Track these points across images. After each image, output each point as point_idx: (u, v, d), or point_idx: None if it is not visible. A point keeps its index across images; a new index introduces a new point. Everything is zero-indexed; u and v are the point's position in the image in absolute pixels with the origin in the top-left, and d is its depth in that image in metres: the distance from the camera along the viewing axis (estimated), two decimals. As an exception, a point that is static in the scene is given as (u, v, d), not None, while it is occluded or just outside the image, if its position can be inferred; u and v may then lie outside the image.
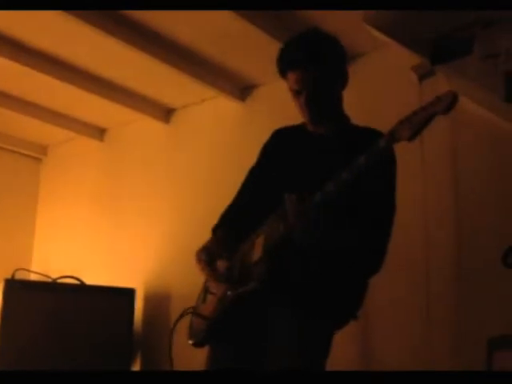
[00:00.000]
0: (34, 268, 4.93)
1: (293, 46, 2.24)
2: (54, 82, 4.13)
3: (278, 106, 3.37)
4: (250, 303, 2.15)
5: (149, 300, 4.41)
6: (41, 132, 5.03)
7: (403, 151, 3.57)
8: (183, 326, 2.30)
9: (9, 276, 4.17)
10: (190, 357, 2.39)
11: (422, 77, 3.23)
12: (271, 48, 3.45)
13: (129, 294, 4.26)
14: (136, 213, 4.64)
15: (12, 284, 4.05)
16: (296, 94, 2.23)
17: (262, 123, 3.96)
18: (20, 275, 4.33)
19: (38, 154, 5.35)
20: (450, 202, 3.31)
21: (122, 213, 4.73)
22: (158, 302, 4.38)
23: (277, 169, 2.35)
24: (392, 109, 3.54)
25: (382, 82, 3.67)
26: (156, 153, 4.69)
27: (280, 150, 2.41)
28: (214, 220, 2.49)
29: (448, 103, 1.83)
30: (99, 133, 5.02)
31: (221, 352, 2.25)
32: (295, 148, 2.35)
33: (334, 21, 3.42)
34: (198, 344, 2.28)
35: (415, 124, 1.87)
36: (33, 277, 4.73)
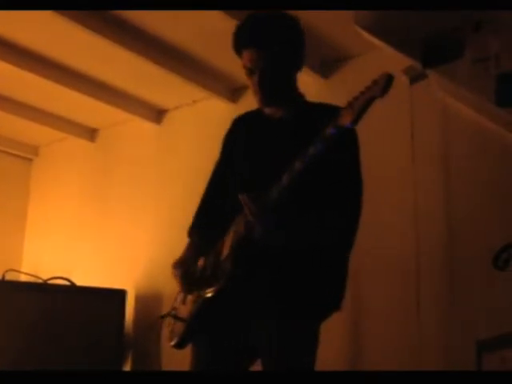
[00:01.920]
0: (24, 269, 4.91)
1: (248, 25, 2.20)
2: (46, 83, 4.12)
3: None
4: (224, 303, 2.13)
5: (140, 301, 4.41)
6: (32, 132, 5.01)
7: (394, 153, 3.59)
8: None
9: (-1, 277, 4.16)
10: (180, 358, 2.39)
11: (413, 79, 3.24)
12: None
13: (120, 295, 4.25)
14: (127, 214, 4.63)
15: (2, 285, 4.05)
16: (249, 73, 2.19)
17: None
18: (10, 276, 4.32)
19: (28, 154, 5.34)
20: (441, 205, 3.33)
21: (112, 214, 4.72)
22: (148, 303, 4.37)
23: (238, 160, 2.32)
24: (383, 111, 3.56)
25: (373, 85, 3.68)
26: (147, 154, 4.68)
27: (238, 139, 2.38)
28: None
29: (383, 86, 1.83)
30: (90, 133, 5.01)
31: (200, 352, 2.23)
32: (253, 136, 2.31)
33: (325, 23, 3.44)
34: (177, 345, 2.27)
35: (355, 109, 1.86)
36: (23, 278, 4.71)
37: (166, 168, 4.55)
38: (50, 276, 4.31)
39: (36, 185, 5.32)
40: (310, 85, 3.44)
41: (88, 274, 4.54)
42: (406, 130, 3.42)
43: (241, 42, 2.19)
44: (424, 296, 3.26)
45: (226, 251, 2.16)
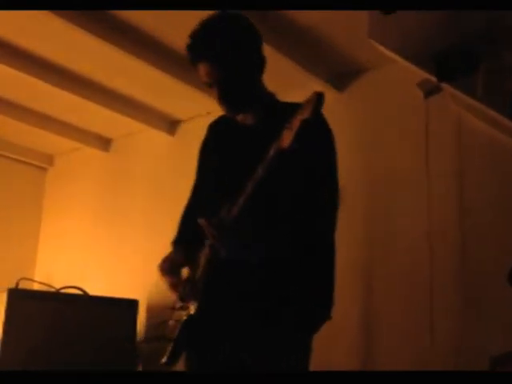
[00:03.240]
0: (37, 278, 4.93)
1: (198, 37, 2.11)
2: (61, 92, 4.15)
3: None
4: (206, 318, 2.10)
5: (151, 311, 4.40)
6: (47, 141, 5.05)
7: (408, 167, 3.58)
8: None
9: (12, 285, 4.16)
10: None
11: (428, 93, 3.23)
12: (276, 61, 3.48)
13: (132, 305, 4.25)
14: (140, 224, 4.64)
15: (16, 293, 4.05)
16: (209, 86, 2.14)
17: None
18: (24, 285, 4.33)
19: (43, 163, 5.37)
20: (455, 219, 3.31)
21: (126, 224, 4.73)
22: (160, 314, 4.36)
23: (213, 168, 2.29)
24: (398, 125, 3.56)
25: (388, 98, 3.68)
26: (161, 164, 4.69)
27: (212, 146, 2.35)
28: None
29: (313, 107, 1.80)
30: (105, 143, 5.04)
31: (192, 368, 2.20)
32: (225, 143, 2.27)
33: (340, 36, 3.45)
34: (167, 363, 2.22)
35: (293, 130, 1.83)
36: (36, 286, 4.72)
37: (179, 179, 4.53)
38: (62, 285, 4.32)
39: (50, 194, 5.35)
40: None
41: (100, 284, 4.54)
42: (420, 142, 3.41)
43: (194, 57, 2.13)
44: (437, 310, 3.23)
45: (200, 268, 2.13)
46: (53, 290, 4.37)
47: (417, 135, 3.44)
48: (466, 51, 2.75)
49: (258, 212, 1.99)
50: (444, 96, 3.28)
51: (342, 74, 3.82)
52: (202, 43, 2.10)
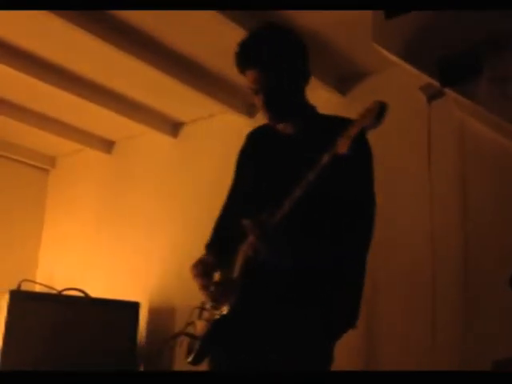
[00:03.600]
0: (39, 279, 4.94)
1: (249, 44, 2.18)
2: (64, 94, 4.15)
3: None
4: (237, 320, 2.13)
5: (153, 314, 4.41)
6: (49, 143, 5.05)
7: (411, 171, 3.58)
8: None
9: (14, 287, 4.17)
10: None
11: (431, 97, 3.23)
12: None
13: (133, 307, 4.25)
14: (142, 226, 4.64)
15: (17, 295, 4.05)
16: (254, 93, 2.18)
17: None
18: (25, 286, 4.33)
19: (45, 165, 5.38)
20: (458, 225, 3.31)
21: (128, 226, 4.74)
22: (162, 316, 4.37)
23: (251, 176, 2.32)
24: (400, 130, 3.56)
25: (391, 102, 3.67)
26: (163, 166, 4.70)
27: (252, 154, 2.38)
28: (219, 235, 2.49)
29: (375, 115, 1.83)
30: (107, 145, 5.04)
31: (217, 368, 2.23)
32: (265, 152, 2.31)
33: (343, 39, 3.46)
34: (193, 362, 2.27)
35: (351, 138, 1.86)
36: (38, 288, 4.73)
37: (182, 181, 4.55)
38: (64, 287, 4.32)
39: (52, 195, 5.35)
40: (327, 101, 3.45)
41: (102, 286, 4.55)
42: (423, 147, 3.41)
43: (243, 63, 2.18)
44: (439, 314, 3.23)
45: (236, 270, 2.16)
46: (54, 291, 4.37)
47: (419, 139, 3.44)
48: (469, 56, 2.75)
49: (302, 217, 2.01)
50: (447, 100, 3.28)
51: (344, 77, 3.82)
52: (251, 50, 2.16)
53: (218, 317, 2.16)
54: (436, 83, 3.04)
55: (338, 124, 2.01)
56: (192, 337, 2.26)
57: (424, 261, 3.33)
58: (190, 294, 4.34)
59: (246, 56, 2.16)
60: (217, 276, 2.29)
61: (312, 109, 2.29)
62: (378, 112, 1.84)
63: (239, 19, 3.24)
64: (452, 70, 2.82)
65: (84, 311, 4.13)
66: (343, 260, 2.08)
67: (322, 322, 2.07)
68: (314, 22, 3.32)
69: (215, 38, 3.52)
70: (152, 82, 4.01)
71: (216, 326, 2.17)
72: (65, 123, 4.74)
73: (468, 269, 3.24)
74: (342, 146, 1.87)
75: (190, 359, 2.27)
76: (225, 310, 2.13)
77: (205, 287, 2.23)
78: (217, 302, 2.18)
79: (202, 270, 2.26)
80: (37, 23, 3.41)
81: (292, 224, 2.01)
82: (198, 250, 4.21)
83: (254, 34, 2.20)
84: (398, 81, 3.54)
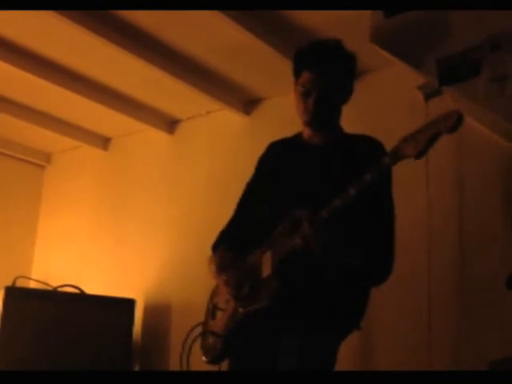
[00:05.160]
0: (34, 276, 4.93)
1: (313, 47, 2.29)
2: (60, 90, 4.14)
3: (283, 119, 3.38)
4: (262, 319, 2.16)
5: (148, 311, 4.40)
6: (45, 140, 5.03)
7: (408, 171, 3.57)
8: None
9: (9, 283, 4.16)
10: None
11: (428, 96, 3.23)
12: (277, 62, 3.51)
13: (128, 304, 4.24)
14: (138, 223, 4.63)
15: (12, 291, 4.04)
16: (305, 94, 2.24)
17: (266, 137, 3.92)
18: (20, 283, 4.32)
19: (41, 161, 5.36)
20: (454, 223, 3.31)
21: (123, 223, 4.73)
22: (157, 313, 4.37)
23: (274, 183, 2.36)
24: (397, 128, 3.54)
25: (388, 101, 3.68)
26: (160, 163, 4.69)
27: (276, 162, 2.42)
28: (215, 232, 2.49)
29: (453, 123, 1.83)
30: (103, 142, 5.03)
31: (238, 368, 2.26)
32: (291, 160, 2.36)
33: (341, 38, 3.43)
34: (212, 361, 2.27)
35: (421, 142, 1.87)
36: (33, 285, 4.72)
37: (178, 178, 4.55)
38: (59, 284, 4.32)
39: (48, 192, 5.34)
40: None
41: (98, 283, 4.54)
42: (420, 146, 3.40)
43: (303, 63, 2.27)
44: (435, 316, 3.23)
45: (266, 269, 2.16)
46: (50, 288, 4.36)
47: (416, 138, 3.43)
48: (467, 55, 2.75)
49: (346, 216, 2.04)
50: (444, 99, 3.27)
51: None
52: (314, 53, 2.27)
53: (242, 316, 2.18)
54: (434, 82, 3.04)
55: (365, 144, 2.21)
56: (214, 334, 2.24)
57: (420, 260, 3.33)
58: (185, 292, 4.36)
59: (307, 57, 2.27)
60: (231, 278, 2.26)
61: (340, 129, 2.38)
62: (456, 121, 1.84)
63: (236, 17, 3.25)
64: (450, 69, 2.82)
65: (79, 308, 4.13)
66: (373, 262, 2.13)
67: (336, 322, 2.12)
68: (311, 19, 3.32)
69: (212, 35, 3.52)
70: (149, 78, 4.01)
71: (241, 325, 2.19)
72: (61, 119, 4.72)
73: (464, 269, 3.24)
74: (411, 149, 1.89)
75: (208, 358, 2.26)
76: (254, 309, 2.15)
77: (227, 283, 2.23)
78: (241, 300, 2.19)
79: (226, 264, 2.26)
80: (35, 21, 3.42)
81: (336, 222, 2.04)
82: (193, 247, 4.24)
83: (320, 41, 2.31)
84: (396, 79, 3.54)
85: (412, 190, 3.44)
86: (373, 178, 1.96)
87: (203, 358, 2.29)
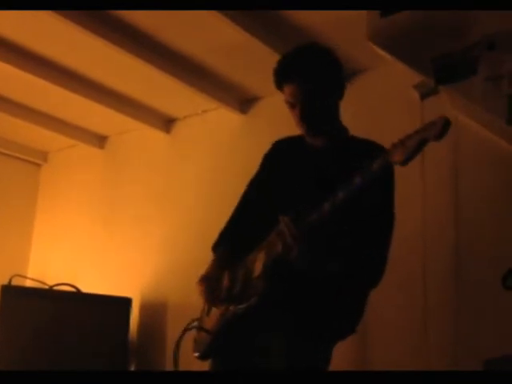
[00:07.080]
0: (30, 274, 4.92)
1: (289, 60, 2.27)
2: (56, 89, 4.14)
3: (279, 118, 3.35)
4: (250, 319, 2.16)
5: (145, 309, 4.40)
6: (41, 138, 5.02)
7: (403, 170, 3.57)
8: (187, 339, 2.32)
9: (5, 282, 4.16)
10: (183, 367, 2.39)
11: (424, 95, 3.23)
12: (273, 61, 3.47)
13: (125, 303, 4.25)
14: (134, 222, 4.63)
15: (9, 290, 4.05)
16: (291, 106, 2.25)
17: (262, 135, 3.94)
18: (17, 281, 4.32)
19: (38, 159, 5.35)
20: (450, 222, 3.31)
21: (120, 221, 4.73)
22: (154, 312, 4.37)
23: (275, 182, 2.37)
24: (393, 127, 3.55)
25: (384, 100, 3.68)
26: (156, 162, 4.69)
27: (278, 162, 2.43)
28: (213, 231, 2.49)
29: (439, 130, 1.83)
30: (100, 140, 5.02)
31: (220, 366, 2.27)
32: (292, 161, 2.38)
33: (337, 37, 3.44)
34: (201, 357, 2.31)
35: (408, 148, 1.87)
36: (29, 283, 4.72)
37: (174, 177, 4.55)
38: (55, 282, 4.32)
39: (44, 190, 5.33)
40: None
41: (94, 282, 4.54)
42: (416, 145, 3.41)
43: (282, 77, 2.26)
44: (431, 315, 3.24)
45: (257, 268, 2.18)
46: (46, 287, 4.37)
47: (412, 137, 3.44)
48: (463, 54, 2.76)
49: (337, 220, 2.03)
50: (440, 98, 3.28)
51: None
52: (291, 65, 2.25)
53: (232, 314, 2.19)
54: (430, 81, 3.05)
55: (365, 149, 2.18)
56: (203, 330, 2.27)
57: (415, 258, 3.33)
58: (182, 291, 4.35)
59: (285, 71, 2.25)
60: (226, 277, 2.28)
61: (344, 129, 2.37)
62: (443, 127, 1.83)
63: (233, 16, 3.25)
64: (446, 69, 2.83)
65: (76, 306, 4.13)
66: (368, 266, 2.13)
67: (327, 325, 2.13)
68: (308, 18, 3.33)
69: (209, 34, 3.52)
70: (145, 77, 4.00)
71: (229, 323, 2.20)
72: (57, 118, 4.72)
73: (460, 267, 3.25)
74: (399, 155, 1.89)
75: (197, 354, 2.30)
76: (242, 308, 2.15)
77: (204, 294, 2.26)
78: (233, 300, 2.20)
79: (208, 285, 2.27)
80: (32, 20, 3.41)
81: (327, 226, 2.04)
82: (190, 245, 4.23)
83: (294, 51, 2.29)
84: (391, 78, 3.54)
85: (408, 189, 3.45)
86: (362, 183, 1.95)
87: (194, 353, 2.32)
